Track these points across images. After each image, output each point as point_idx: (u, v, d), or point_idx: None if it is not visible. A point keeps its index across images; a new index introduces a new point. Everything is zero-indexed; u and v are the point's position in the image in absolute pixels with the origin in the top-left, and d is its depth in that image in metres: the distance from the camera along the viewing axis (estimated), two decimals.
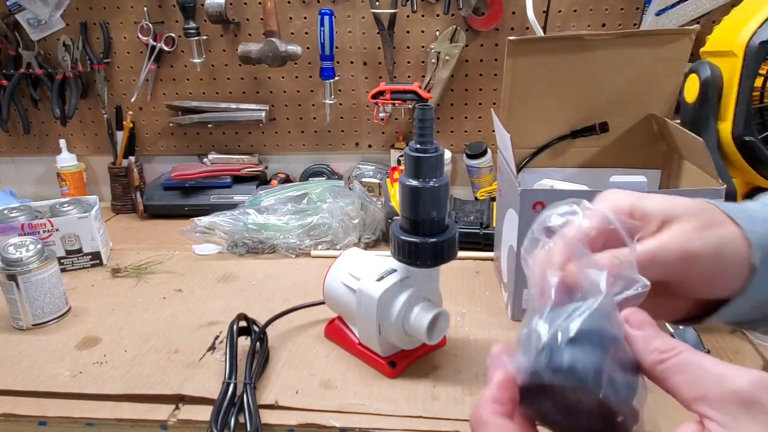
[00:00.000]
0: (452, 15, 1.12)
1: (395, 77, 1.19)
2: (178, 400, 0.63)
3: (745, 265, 0.32)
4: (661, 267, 0.32)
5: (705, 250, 0.31)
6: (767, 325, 0.36)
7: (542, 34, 1.06)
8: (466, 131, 1.23)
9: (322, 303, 0.74)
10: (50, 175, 1.30)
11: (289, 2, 1.16)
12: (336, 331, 0.72)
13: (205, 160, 1.26)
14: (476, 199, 1.17)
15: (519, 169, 0.96)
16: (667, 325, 0.70)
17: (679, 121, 0.90)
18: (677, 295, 0.34)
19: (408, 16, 1.14)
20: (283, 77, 1.23)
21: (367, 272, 0.65)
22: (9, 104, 1.26)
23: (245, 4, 1.17)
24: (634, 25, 1.09)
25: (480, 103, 1.20)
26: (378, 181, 1.20)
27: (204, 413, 0.60)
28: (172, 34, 1.21)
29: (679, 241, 0.32)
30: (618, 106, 0.93)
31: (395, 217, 0.97)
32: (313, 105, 1.25)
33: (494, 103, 1.18)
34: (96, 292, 0.89)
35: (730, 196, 0.70)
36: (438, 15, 1.13)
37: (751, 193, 0.88)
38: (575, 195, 0.71)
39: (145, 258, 0.99)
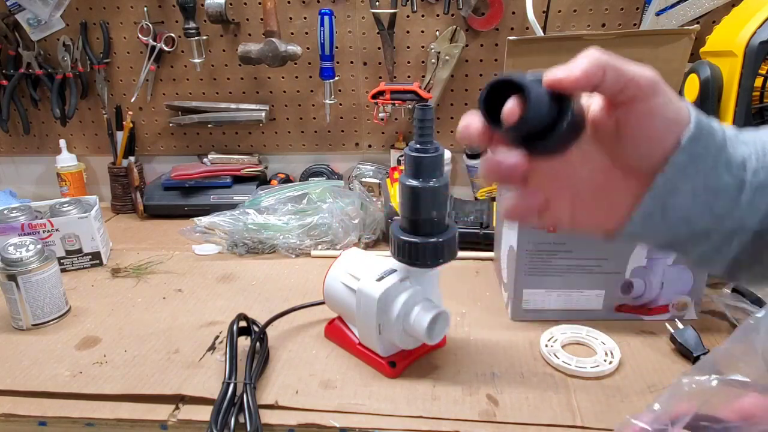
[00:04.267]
0: (452, 15, 1.12)
1: (395, 77, 1.19)
2: (178, 400, 0.63)
3: (677, 135, 0.33)
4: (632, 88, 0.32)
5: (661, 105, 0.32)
6: (694, 247, 0.35)
7: (542, 34, 1.06)
8: None
9: (322, 303, 0.74)
10: (50, 175, 1.30)
11: (289, 2, 1.16)
12: (336, 331, 0.72)
13: (205, 160, 1.26)
14: (476, 199, 1.17)
15: None
16: (667, 325, 0.70)
17: None
18: (617, 157, 0.35)
19: (408, 16, 1.14)
20: (283, 77, 1.23)
21: (367, 272, 0.65)
22: (9, 104, 1.26)
23: (245, 4, 1.17)
24: (634, 25, 1.09)
25: None
26: (378, 181, 1.20)
27: (204, 413, 0.60)
28: (172, 34, 1.21)
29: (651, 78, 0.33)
30: None
31: (395, 217, 0.97)
32: (313, 105, 1.25)
33: None
34: (96, 292, 0.89)
35: None
36: (438, 15, 1.13)
37: None
38: None
39: (145, 258, 0.99)
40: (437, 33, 1.14)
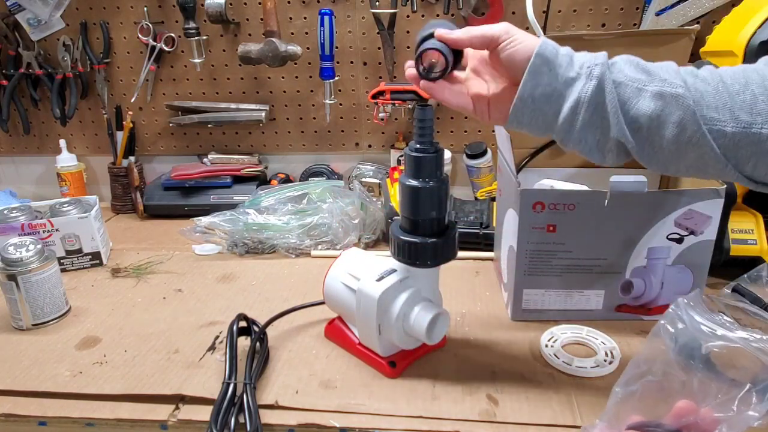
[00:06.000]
0: (452, 15, 1.12)
1: (395, 77, 1.19)
2: (178, 400, 0.63)
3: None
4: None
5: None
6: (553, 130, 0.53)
7: (542, 34, 1.05)
8: (466, 131, 1.23)
9: (322, 303, 0.74)
10: (50, 175, 1.30)
11: (289, 2, 1.16)
12: (336, 331, 0.72)
13: (205, 160, 1.26)
14: (476, 199, 1.17)
15: (519, 169, 0.96)
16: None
17: None
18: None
19: (408, 16, 1.15)
20: (283, 77, 1.23)
21: (366, 272, 0.65)
22: (9, 104, 1.26)
23: (245, 4, 1.17)
24: (634, 25, 1.09)
25: None
26: (378, 181, 1.20)
27: (204, 413, 0.60)
28: (172, 34, 1.21)
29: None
30: None
31: (395, 217, 0.97)
32: (313, 105, 1.25)
33: None
34: (96, 292, 0.89)
35: (730, 197, 0.71)
36: (438, 15, 1.13)
37: (751, 192, 0.88)
38: (575, 195, 0.71)
39: (145, 258, 0.99)
40: None
